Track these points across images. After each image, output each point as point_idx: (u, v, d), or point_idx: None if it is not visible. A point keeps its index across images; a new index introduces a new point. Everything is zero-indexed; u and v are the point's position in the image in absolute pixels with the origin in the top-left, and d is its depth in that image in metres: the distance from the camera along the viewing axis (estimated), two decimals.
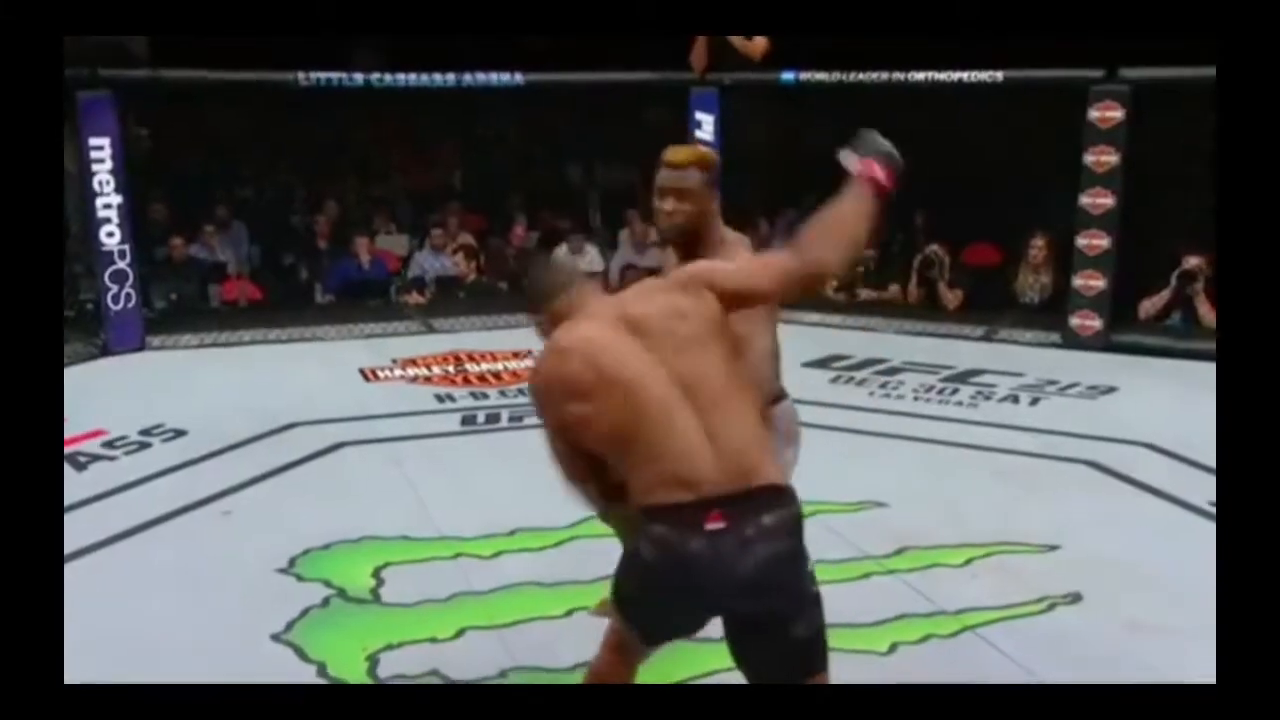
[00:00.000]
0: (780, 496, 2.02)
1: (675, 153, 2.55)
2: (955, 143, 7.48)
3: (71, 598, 3.33)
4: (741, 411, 2.03)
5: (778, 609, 1.99)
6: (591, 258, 8.01)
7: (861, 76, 6.65)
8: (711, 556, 1.93)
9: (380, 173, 9.53)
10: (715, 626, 2.09)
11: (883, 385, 5.64)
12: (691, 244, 2.54)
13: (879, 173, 2.11)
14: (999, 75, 6.32)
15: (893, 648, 3.01)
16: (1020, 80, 6.35)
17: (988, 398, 5.42)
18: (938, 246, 7.30)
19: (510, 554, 3.60)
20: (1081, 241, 6.35)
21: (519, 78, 6.81)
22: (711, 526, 1.93)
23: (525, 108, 8.08)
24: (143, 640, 3.07)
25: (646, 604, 2.09)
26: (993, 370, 5.85)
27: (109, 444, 4.69)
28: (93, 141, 6.12)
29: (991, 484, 4.25)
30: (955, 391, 5.51)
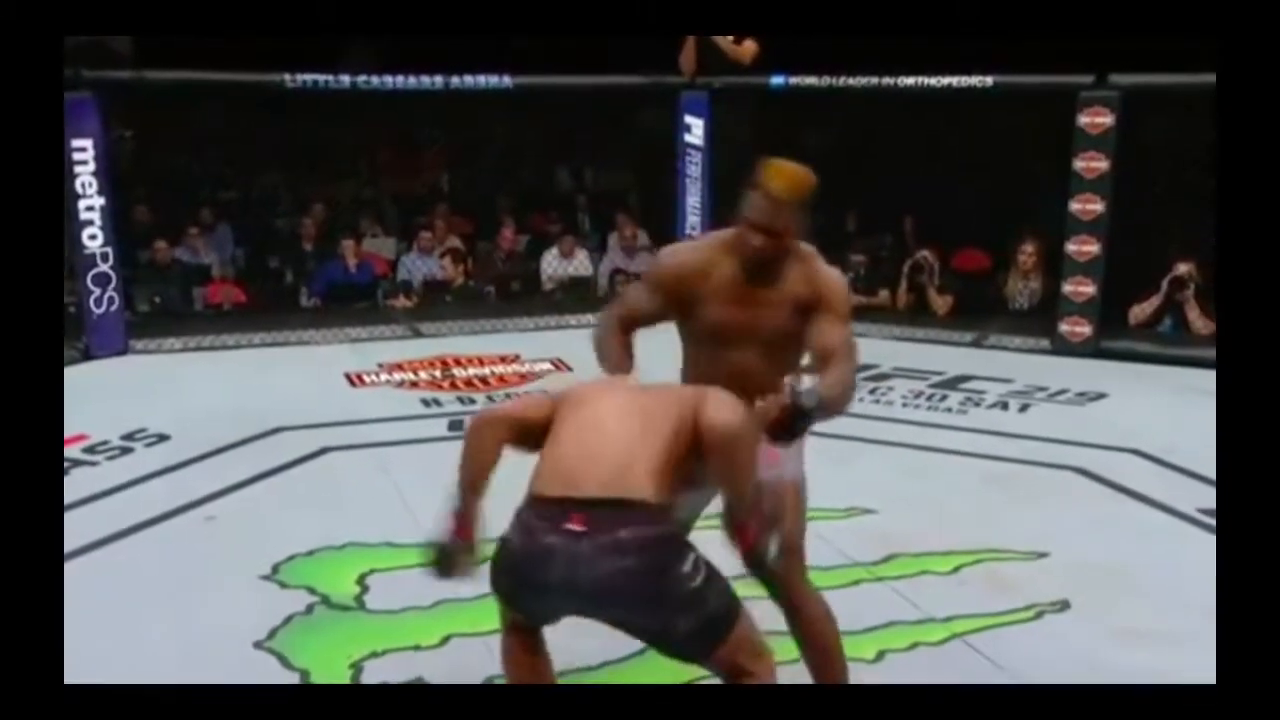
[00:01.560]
0: (647, 514, 2.08)
1: (777, 181, 2.36)
2: (944, 148, 7.52)
3: None
4: (657, 444, 2.17)
5: (627, 619, 2.12)
6: (580, 262, 8.02)
7: (851, 81, 6.67)
8: (564, 555, 2.04)
9: (368, 175, 9.52)
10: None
11: (872, 391, 5.65)
12: (768, 266, 2.44)
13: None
14: (989, 80, 6.35)
15: (880, 655, 3.02)
16: (1010, 86, 6.38)
17: (977, 404, 5.44)
18: (927, 252, 7.33)
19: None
20: (1071, 247, 6.37)
21: (508, 80, 6.81)
22: (570, 527, 2.04)
23: (514, 110, 8.08)
24: (123, 647, 3.06)
25: (511, 590, 2.18)
26: (982, 376, 5.87)
27: (90, 449, 4.67)
28: (75, 143, 6.08)
29: (980, 490, 4.27)
30: (944, 398, 5.53)
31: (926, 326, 6.93)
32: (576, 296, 7.70)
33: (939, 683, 2.85)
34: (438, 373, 6.05)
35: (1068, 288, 6.42)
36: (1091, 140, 6.19)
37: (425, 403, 5.51)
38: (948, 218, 7.59)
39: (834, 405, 2.26)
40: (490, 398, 5.56)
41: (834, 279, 2.53)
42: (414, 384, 5.86)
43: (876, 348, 6.53)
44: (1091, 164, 6.22)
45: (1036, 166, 6.92)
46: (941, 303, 7.18)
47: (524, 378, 5.95)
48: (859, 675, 2.89)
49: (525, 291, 7.93)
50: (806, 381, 2.16)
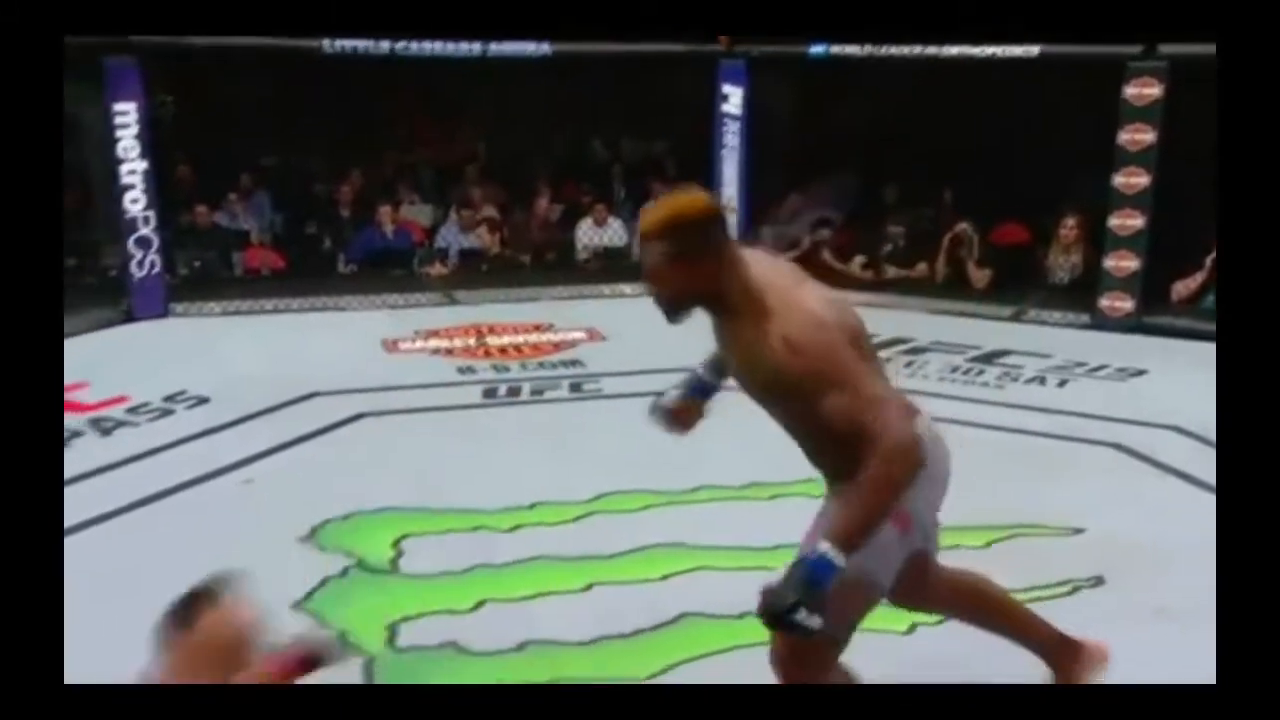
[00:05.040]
0: None
1: (644, 217, 2.10)
2: (984, 119, 7.40)
3: (92, 562, 3.38)
4: None
5: None
6: (614, 231, 8.01)
7: (893, 50, 6.58)
8: None
9: (404, 142, 9.52)
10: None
11: (908, 364, 5.62)
12: (710, 307, 2.08)
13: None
14: (1034, 50, 6.23)
15: (912, 628, 3.01)
16: (1056, 56, 6.26)
17: (1014, 379, 5.39)
18: (967, 224, 7.24)
19: (529, 527, 3.62)
20: (1114, 221, 6.28)
21: (546, 47, 6.78)
22: None
23: (550, 79, 8.04)
24: (161, 607, 3.10)
25: None
26: (1020, 351, 5.82)
27: (133, 410, 4.74)
28: (118, 107, 6.14)
29: (1016, 466, 4.23)
30: (981, 372, 5.48)
31: (964, 300, 6.87)
32: (610, 266, 7.69)
33: (969, 656, 2.85)
34: (472, 340, 6.08)
35: (1109, 262, 6.33)
36: (1138, 112, 6.08)
37: (460, 370, 5.54)
38: (988, 191, 7.49)
39: (849, 545, 1.90)
40: (524, 366, 5.59)
41: (788, 347, 1.95)
42: (449, 351, 5.89)
43: (913, 321, 6.49)
44: (1137, 136, 6.11)
45: (1078, 139, 6.80)
46: (980, 276, 7.10)
47: (557, 346, 5.97)
48: (891, 647, 2.88)
49: (560, 261, 7.93)
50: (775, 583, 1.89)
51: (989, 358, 5.71)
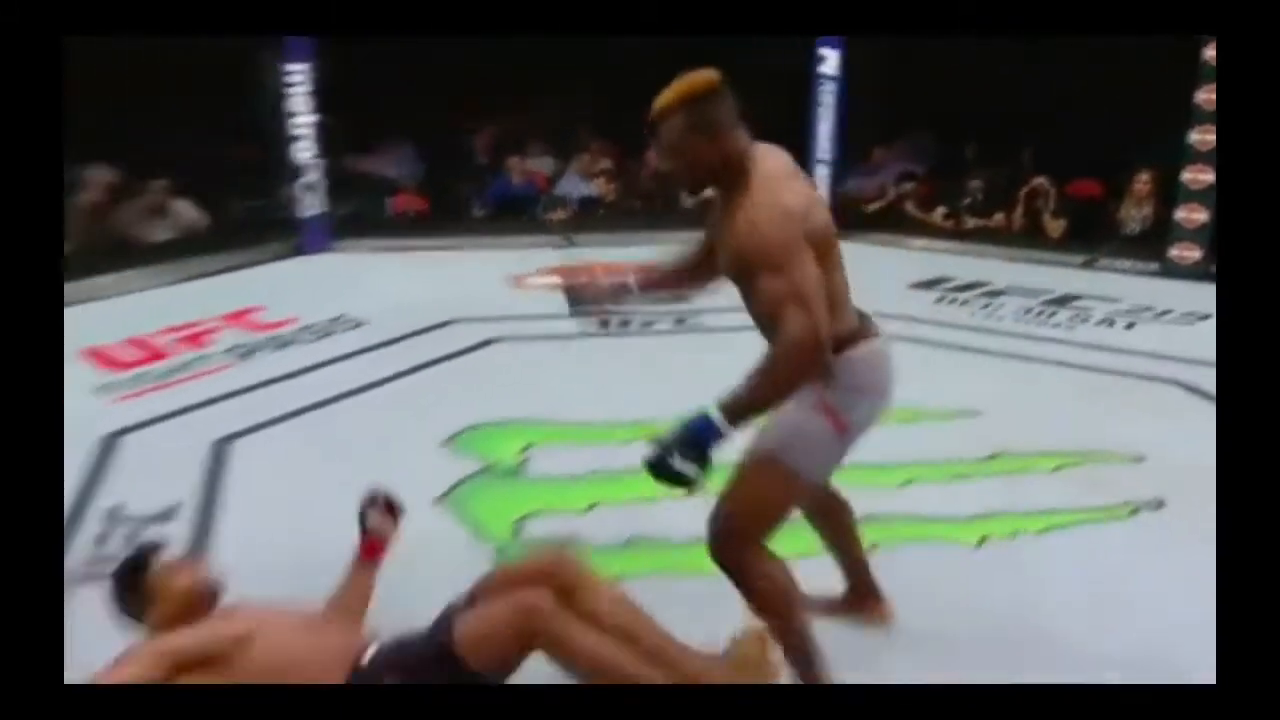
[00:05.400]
0: None
1: (656, 102, 1.98)
2: (1063, 79, 7.02)
3: (264, 462, 3.53)
4: None
5: None
6: None
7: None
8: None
9: (530, 95, 9.49)
10: None
11: (985, 306, 5.44)
12: (720, 183, 2.02)
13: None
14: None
15: (983, 540, 2.95)
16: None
17: (1084, 320, 5.17)
18: (1044, 178, 6.93)
19: (638, 441, 3.63)
20: (1186, 176, 5.92)
21: None
22: None
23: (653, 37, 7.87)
24: (321, 500, 3.23)
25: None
26: (1091, 296, 5.57)
27: (302, 329, 4.91)
28: (292, 67, 6.27)
29: (1084, 400, 4.08)
30: (1054, 314, 5.28)
31: (1039, 249, 6.60)
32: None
33: (1033, 567, 2.78)
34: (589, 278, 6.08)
35: (1180, 214, 6.00)
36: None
37: None
38: (1065, 149, 7.13)
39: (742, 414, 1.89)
40: None
41: (748, 224, 1.90)
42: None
43: (991, 267, 6.28)
44: (1215, 96, 5.72)
45: (1156, 98, 6.39)
46: (1055, 226, 6.80)
47: None
48: (961, 559, 2.84)
49: (668, 208, 7.86)
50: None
51: (1061, 301, 5.49)
